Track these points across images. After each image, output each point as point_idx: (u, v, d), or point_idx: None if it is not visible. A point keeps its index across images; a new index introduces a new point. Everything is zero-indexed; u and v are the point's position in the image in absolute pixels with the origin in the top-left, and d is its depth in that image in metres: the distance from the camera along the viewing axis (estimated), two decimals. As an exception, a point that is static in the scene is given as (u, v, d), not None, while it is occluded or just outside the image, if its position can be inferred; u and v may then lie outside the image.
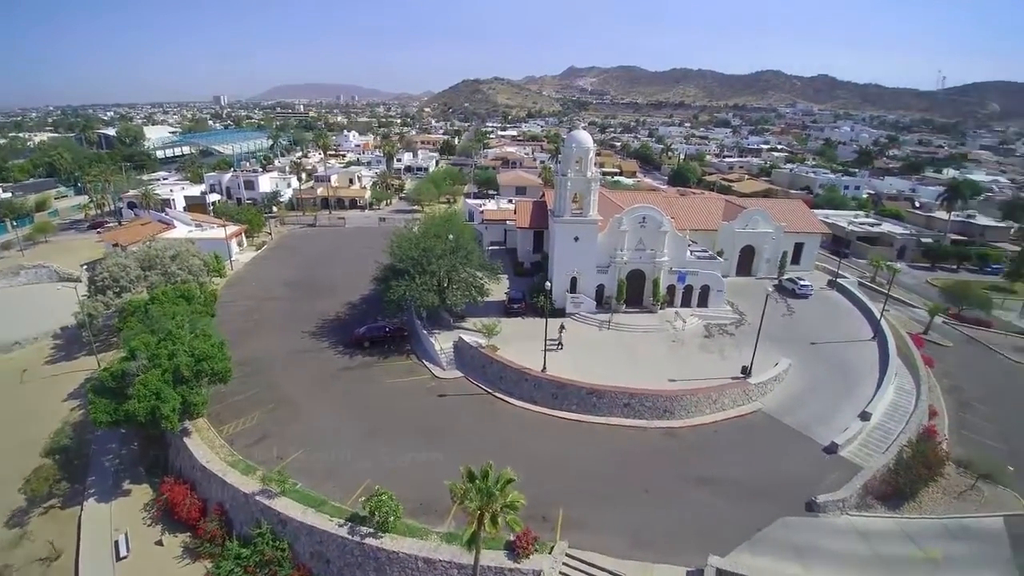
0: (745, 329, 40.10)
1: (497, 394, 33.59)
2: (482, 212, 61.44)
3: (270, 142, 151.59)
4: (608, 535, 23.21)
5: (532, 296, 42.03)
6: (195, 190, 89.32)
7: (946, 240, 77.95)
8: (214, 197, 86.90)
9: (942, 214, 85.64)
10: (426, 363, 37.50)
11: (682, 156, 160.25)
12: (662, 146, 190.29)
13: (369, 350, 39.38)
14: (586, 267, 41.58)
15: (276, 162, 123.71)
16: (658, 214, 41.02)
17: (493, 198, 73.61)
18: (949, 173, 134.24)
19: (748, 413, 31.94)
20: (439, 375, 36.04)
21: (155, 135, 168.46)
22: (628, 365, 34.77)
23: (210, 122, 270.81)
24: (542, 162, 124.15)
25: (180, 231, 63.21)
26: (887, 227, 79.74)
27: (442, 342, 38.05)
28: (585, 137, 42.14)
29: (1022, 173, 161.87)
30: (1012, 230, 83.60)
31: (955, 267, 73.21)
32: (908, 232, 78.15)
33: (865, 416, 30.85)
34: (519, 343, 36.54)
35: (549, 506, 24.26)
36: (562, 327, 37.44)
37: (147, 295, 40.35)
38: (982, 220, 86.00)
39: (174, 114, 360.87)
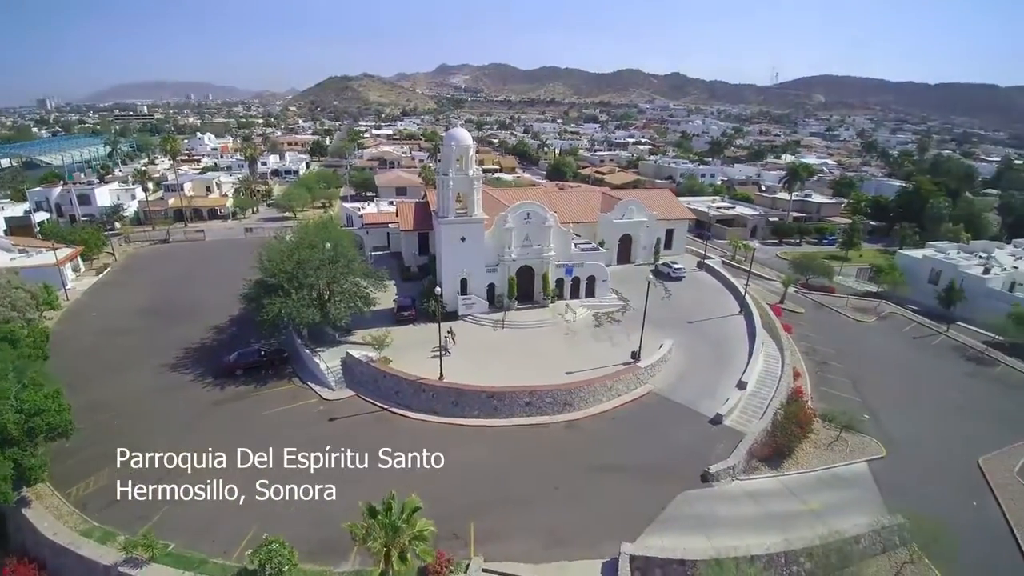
0: (631, 314, 41.78)
1: (394, 409, 31.73)
2: (362, 216, 58.28)
3: (108, 149, 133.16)
4: (523, 540, 22.73)
5: (422, 301, 40.43)
6: (17, 209, 75.75)
7: (789, 218, 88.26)
8: (41, 216, 74.31)
9: (784, 195, 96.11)
10: (312, 385, 34.49)
11: (557, 151, 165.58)
12: (538, 142, 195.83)
13: (243, 378, 35.38)
14: (475, 267, 40.84)
15: (117, 171, 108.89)
16: (542, 210, 41.36)
17: (372, 200, 70.33)
18: (787, 158, 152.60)
19: (642, 396, 33.20)
20: (328, 397, 33.30)
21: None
22: (526, 362, 34.61)
23: (34, 129, 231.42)
24: (421, 161, 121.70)
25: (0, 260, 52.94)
26: (740, 209, 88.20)
27: (328, 360, 35.24)
28: (464, 135, 41.36)
29: (846, 155, 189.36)
30: (842, 205, 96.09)
31: (798, 241, 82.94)
32: (758, 213, 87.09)
33: (742, 385, 33.39)
34: (413, 352, 34.92)
35: (460, 521, 23.21)
36: (450, 332, 36.13)
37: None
38: (817, 198, 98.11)
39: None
